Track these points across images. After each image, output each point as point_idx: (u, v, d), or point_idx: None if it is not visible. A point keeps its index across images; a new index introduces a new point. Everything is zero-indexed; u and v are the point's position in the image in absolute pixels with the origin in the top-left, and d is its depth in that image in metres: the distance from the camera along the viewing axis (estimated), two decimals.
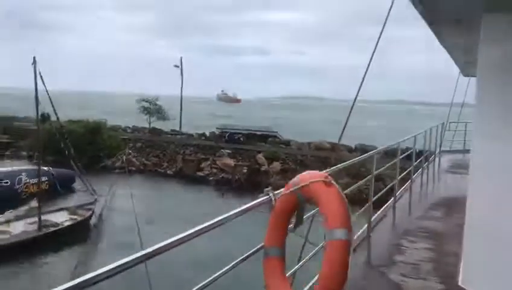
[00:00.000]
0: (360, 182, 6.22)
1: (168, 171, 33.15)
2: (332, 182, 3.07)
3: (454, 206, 8.84)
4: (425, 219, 8.06)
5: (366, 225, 6.68)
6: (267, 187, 3.42)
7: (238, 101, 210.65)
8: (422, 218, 8.14)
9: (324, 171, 4.20)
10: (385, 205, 8.42)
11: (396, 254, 6.10)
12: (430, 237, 6.92)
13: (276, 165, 31.08)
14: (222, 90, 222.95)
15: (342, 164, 5.24)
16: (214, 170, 31.95)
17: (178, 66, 47.13)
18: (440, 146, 15.40)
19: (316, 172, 3.34)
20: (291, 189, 3.22)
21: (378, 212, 7.88)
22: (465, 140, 16.32)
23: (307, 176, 3.20)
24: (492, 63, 4.60)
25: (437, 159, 14.31)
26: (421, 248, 6.41)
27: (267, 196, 3.29)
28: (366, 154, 7.01)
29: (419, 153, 11.41)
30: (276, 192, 3.34)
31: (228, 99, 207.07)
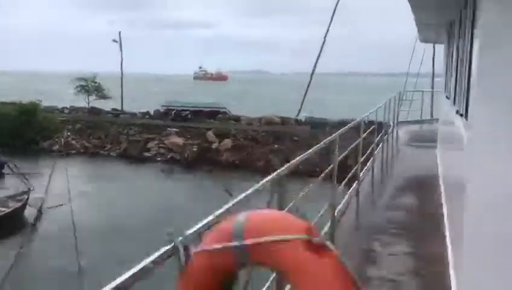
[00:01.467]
0: (323, 173, 4.79)
1: (112, 153, 31.31)
2: (327, 244, 1.71)
3: (423, 187, 8.04)
4: (393, 209, 7.04)
5: (329, 223, 5.15)
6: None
7: (223, 78, 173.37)
8: (390, 208, 7.12)
9: (281, 169, 3.09)
10: (348, 192, 7.25)
11: (367, 265, 4.91)
12: (404, 235, 5.75)
13: (227, 142, 30.03)
14: (200, 67, 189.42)
15: (303, 156, 3.86)
16: (162, 150, 30.47)
17: (117, 41, 44.49)
18: (397, 117, 14.77)
19: (284, 215, 2.03)
20: (229, 244, 1.71)
21: (341, 205, 6.58)
22: (422, 109, 15.93)
23: (267, 226, 1.73)
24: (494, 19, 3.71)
25: (395, 131, 13.51)
26: (397, 252, 5.24)
27: (172, 247, 1.71)
28: (328, 138, 5.43)
29: (379, 127, 10.61)
30: (189, 243, 1.76)
31: (208, 77, 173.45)
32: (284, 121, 33.69)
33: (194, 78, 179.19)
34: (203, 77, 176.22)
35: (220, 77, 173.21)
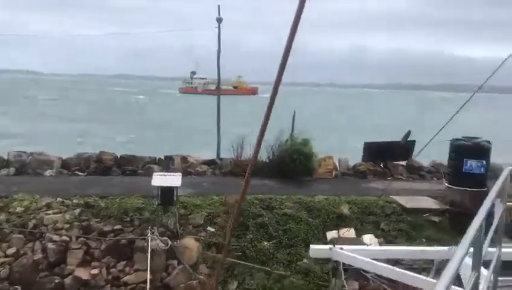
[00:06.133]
0: None
1: None
2: None
3: None
4: None
5: None
6: None
7: (252, 90, 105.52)
8: None
9: None
10: None
11: None
12: None
13: None
14: (193, 72, 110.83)
15: None
16: None
17: None
18: None
19: None
20: None
21: None
22: None
23: None
24: None
25: None
26: None
27: None
28: None
29: None
30: None
31: (212, 90, 72.10)
32: None
33: (180, 90, 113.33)
34: (202, 88, 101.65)
35: (245, 90, 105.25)
